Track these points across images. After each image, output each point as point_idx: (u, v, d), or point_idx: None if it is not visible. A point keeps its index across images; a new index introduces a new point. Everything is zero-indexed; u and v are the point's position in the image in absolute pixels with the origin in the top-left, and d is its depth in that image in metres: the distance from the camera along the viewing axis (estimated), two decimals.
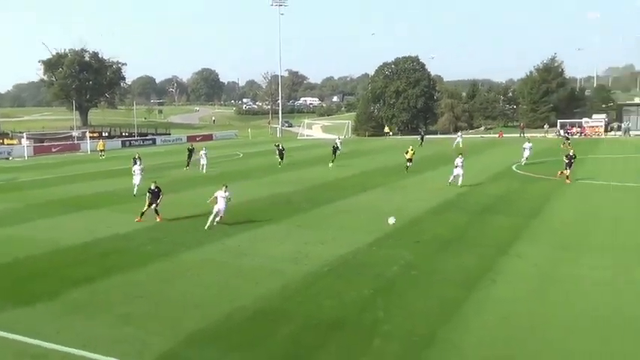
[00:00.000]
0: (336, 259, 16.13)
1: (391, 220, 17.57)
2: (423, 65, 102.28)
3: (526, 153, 38.26)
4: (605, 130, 74.82)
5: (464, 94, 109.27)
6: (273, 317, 11.92)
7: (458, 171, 28.59)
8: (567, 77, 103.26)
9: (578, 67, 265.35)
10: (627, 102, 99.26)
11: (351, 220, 21.88)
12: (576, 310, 11.91)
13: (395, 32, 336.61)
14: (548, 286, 13.49)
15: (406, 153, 35.75)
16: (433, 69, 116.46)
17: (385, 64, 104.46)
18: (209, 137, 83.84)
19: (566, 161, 29.82)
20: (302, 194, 28.76)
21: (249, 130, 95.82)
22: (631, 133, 72.36)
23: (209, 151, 41.21)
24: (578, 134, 73.62)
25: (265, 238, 19.10)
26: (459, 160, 28.94)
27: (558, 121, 79.80)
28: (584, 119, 78.74)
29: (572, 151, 30.12)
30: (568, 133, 68.36)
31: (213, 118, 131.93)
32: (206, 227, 19.82)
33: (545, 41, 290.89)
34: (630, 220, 20.68)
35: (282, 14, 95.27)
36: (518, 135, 78.58)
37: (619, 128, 75.30)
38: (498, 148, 55.72)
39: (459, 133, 66.28)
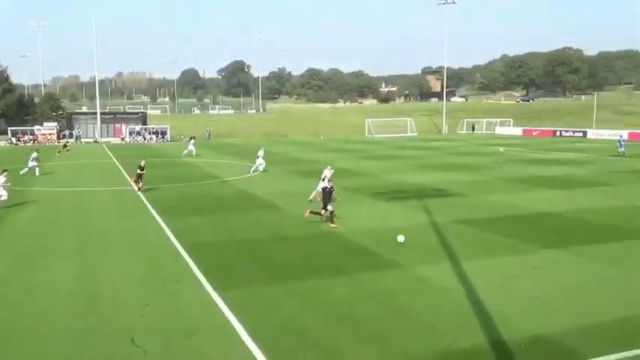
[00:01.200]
0: None
1: (400, 239, 16.43)
2: None
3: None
4: (58, 138, 76.12)
5: None
6: None
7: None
8: (14, 83, 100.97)
9: (25, 75, 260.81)
10: (76, 110, 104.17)
11: None
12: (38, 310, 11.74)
13: None
14: (12, 294, 12.97)
15: None
16: None
17: None
18: None
19: (139, 172, 28.69)
20: None
21: None
22: (82, 140, 76.07)
23: None
24: (31, 142, 72.62)
25: None
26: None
27: (9, 128, 76.74)
28: (37, 127, 78.31)
29: (143, 162, 29.31)
30: (78, 140, 66.46)
31: None
32: None
33: None
34: (86, 222, 21.52)
35: None
36: None
37: (71, 135, 77.93)
38: None
39: None
